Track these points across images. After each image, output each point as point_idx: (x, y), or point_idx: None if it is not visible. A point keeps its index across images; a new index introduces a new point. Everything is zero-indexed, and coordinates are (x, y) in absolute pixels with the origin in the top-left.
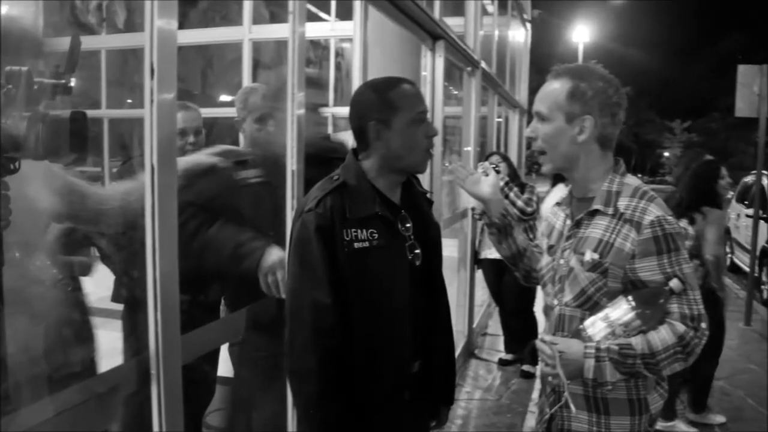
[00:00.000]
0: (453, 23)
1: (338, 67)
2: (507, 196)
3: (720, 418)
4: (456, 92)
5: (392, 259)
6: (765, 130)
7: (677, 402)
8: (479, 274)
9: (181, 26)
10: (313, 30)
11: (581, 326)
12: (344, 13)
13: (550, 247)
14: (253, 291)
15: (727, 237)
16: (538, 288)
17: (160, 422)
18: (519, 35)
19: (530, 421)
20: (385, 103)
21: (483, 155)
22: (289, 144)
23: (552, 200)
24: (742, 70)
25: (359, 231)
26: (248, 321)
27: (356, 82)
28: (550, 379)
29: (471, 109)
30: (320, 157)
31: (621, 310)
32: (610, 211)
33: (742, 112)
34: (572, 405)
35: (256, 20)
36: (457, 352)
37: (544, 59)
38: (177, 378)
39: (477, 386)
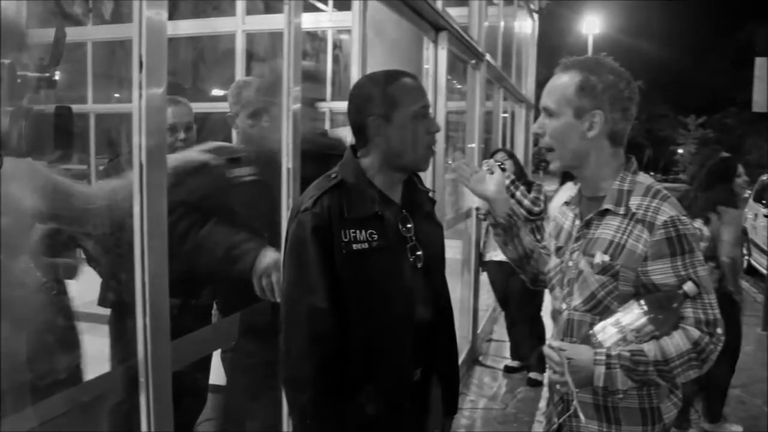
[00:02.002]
0: (456, 14)
1: (336, 59)
2: (513, 195)
3: (736, 428)
4: (460, 86)
5: (393, 261)
6: None
7: (692, 411)
8: (484, 277)
9: (171, 17)
10: (310, 21)
11: (591, 332)
12: (342, 3)
13: (558, 249)
14: (247, 295)
15: (743, 238)
16: (546, 291)
17: None
18: (526, 26)
19: (537, 431)
20: (385, 98)
21: (488, 152)
22: (285, 140)
23: (560, 199)
24: (760, 63)
25: (358, 232)
26: (242, 326)
27: (355, 76)
28: (558, 387)
29: (475, 104)
30: (317, 154)
31: (633, 315)
32: (622, 210)
33: (760, 106)
34: (581, 414)
35: (250, 11)
36: (461, 358)
37: (552, 52)
38: (167, 386)
39: (482, 395)
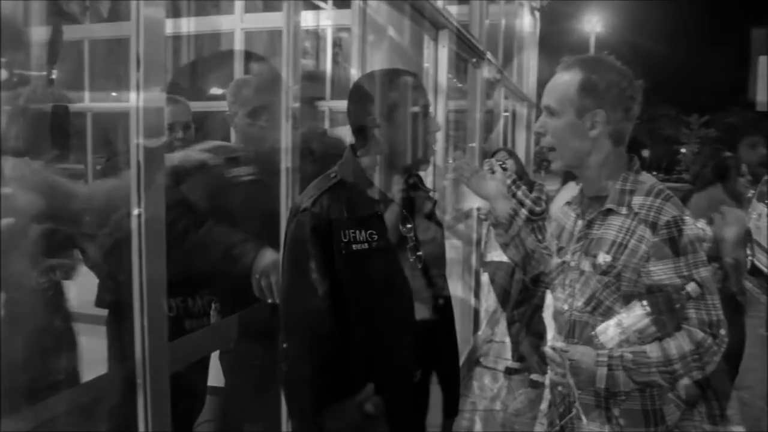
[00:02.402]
0: (457, 12)
1: (335, 58)
2: (514, 195)
3: (739, 429)
4: (460, 85)
5: (392, 262)
6: None
7: (694, 412)
8: (485, 278)
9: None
10: (309, 19)
11: (593, 333)
12: (342, 1)
13: (560, 249)
14: (246, 295)
15: (747, 238)
16: (548, 291)
17: None
18: (527, 24)
19: None
20: (385, 97)
21: (489, 152)
22: (284, 140)
23: (562, 199)
24: (763, 61)
25: (358, 232)
26: (240, 327)
27: (355, 75)
28: (559, 388)
29: (476, 103)
30: (318, 153)
31: (635, 316)
32: (624, 210)
33: (763, 106)
34: (583, 416)
35: (249, 9)
36: (462, 359)
37: (554, 50)
38: (165, 387)
39: (482, 396)
